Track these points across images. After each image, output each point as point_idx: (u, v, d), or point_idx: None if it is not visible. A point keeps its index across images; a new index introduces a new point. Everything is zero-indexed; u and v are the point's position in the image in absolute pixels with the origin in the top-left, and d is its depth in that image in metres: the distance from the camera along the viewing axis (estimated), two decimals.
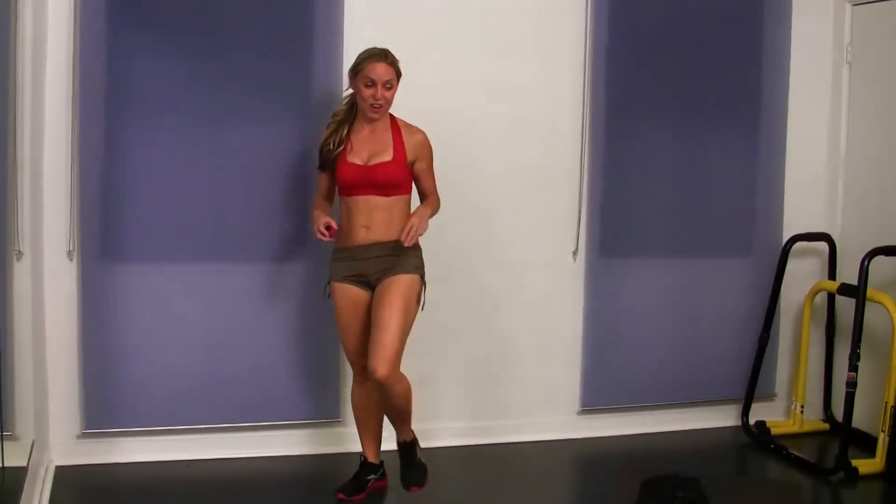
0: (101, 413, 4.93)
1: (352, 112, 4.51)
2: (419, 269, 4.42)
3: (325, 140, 4.49)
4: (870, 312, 5.21)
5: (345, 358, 5.00)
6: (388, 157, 4.39)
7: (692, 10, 5.64)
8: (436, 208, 4.55)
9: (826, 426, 5.84)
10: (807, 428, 5.81)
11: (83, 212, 4.81)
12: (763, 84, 5.82)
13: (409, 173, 4.48)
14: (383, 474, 4.71)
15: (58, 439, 4.90)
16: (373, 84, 4.35)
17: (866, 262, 5.16)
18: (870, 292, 5.18)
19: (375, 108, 4.37)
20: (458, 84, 5.27)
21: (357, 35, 5.08)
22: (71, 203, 4.80)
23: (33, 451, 4.40)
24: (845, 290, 5.43)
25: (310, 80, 5.09)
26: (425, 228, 4.39)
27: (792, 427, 5.79)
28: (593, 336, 5.60)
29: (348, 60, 5.03)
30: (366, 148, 4.42)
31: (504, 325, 5.40)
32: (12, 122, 4.08)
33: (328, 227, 4.33)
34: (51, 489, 4.57)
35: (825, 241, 5.81)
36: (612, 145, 5.55)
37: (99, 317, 4.89)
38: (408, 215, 4.40)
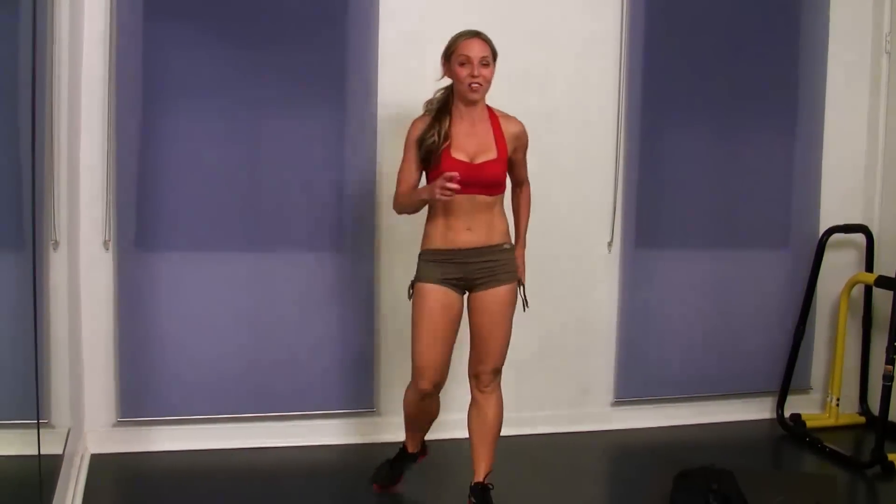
0: (136, 402, 4.96)
1: (447, 102, 4.24)
2: (517, 273, 4.31)
3: (426, 132, 4.18)
4: None
5: (382, 347, 5.02)
6: (493, 154, 4.17)
7: (729, 2, 5.61)
8: (527, 226, 4.53)
9: (862, 419, 5.81)
10: (842, 421, 5.77)
11: (119, 201, 4.84)
12: (801, 74, 5.78)
13: (508, 168, 4.28)
14: (424, 449, 4.67)
15: (93, 427, 4.94)
16: (468, 61, 4.11)
17: None
18: None
19: (474, 87, 4.12)
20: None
21: (392, 25, 5.09)
22: (107, 193, 4.83)
23: (69, 439, 4.43)
24: (883, 282, 5.38)
25: (345, 69, 5.09)
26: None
27: (827, 420, 5.75)
28: (628, 327, 5.59)
29: (383, 51, 5.06)
30: (470, 142, 4.17)
31: (539, 317, 5.37)
32: (49, 113, 4.10)
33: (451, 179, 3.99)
34: (86, 477, 4.60)
35: (863, 232, 5.77)
36: (647, 136, 5.53)
37: (134, 306, 4.92)
38: (502, 209, 4.26)
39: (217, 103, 4.93)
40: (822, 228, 5.78)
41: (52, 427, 4.23)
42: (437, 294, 4.18)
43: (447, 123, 4.18)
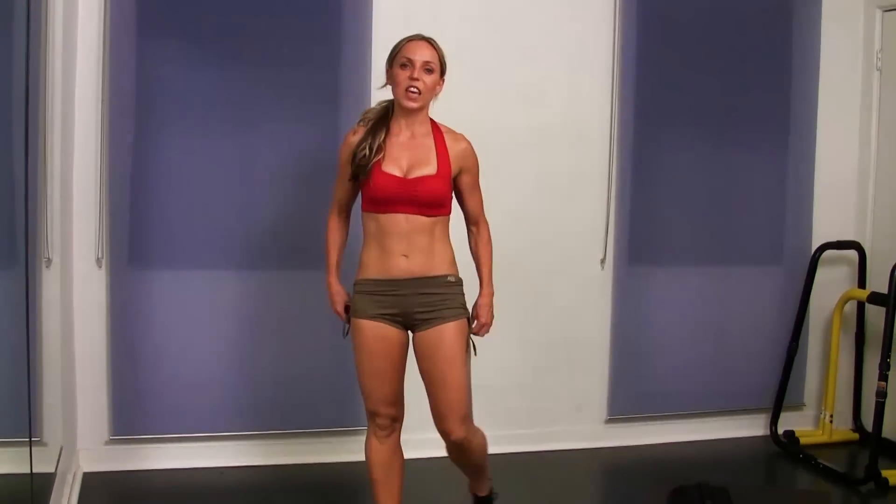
0: (128, 419, 4.95)
1: (387, 114, 3.87)
2: (466, 309, 3.85)
3: (358, 146, 3.79)
4: None
5: None
6: (431, 169, 3.76)
7: (721, 18, 5.63)
8: (491, 265, 4.02)
9: (856, 436, 5.80)
10: (836, 438, 5.76)
11: (112, 219, 4.84)
12: (793, 91, 5.79)
13: (452, 189, 3.85)
14: None
15: (86, 445, 4.92)
16: (409, 64, 3.74)
17: None
18: None
19: (412, 92, 3.73)
20: (487, 91, 5.27)
21: (385, 42, 5.06)
22: (100, 210, 4.82)
23: (61, 457, 4.41)
24: (875, 298, 5.39)
25: (337, 87, 5.10)
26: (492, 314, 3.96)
27: (821, 437, 5.75)
28: (621, 344, 5.59)
29: (376, 67, 5.05)
30: (405, 155, 3.77)
31: (531, 333, 5.39)
32: (42, 130, 4.10)
33: (346, 310, 3.91)
34: (78, 495, 4.59)
35: (855, 249, 5.78)
36: (640, 153, 5.54)
37: (127, 323, 4.91)
38: (446, 236, 3.84)
39: (210, 121, 4.93)
40: (815, 245, 5.79)
41: (45, 445, 4.22)
42: (374, 330, 3.79)
43: (382, 136, 3.80)
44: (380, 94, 5.04)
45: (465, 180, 3.90)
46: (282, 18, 5.00)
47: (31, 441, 3.79)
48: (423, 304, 3.76)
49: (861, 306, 5.79)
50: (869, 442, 5.21)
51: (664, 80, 5.57)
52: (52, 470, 4.25)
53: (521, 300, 5.33)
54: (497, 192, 5.23)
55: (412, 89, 3.74)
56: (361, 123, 3.89)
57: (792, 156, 5.82)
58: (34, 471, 3.76)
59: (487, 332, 3.93)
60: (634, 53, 5.48)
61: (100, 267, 4.86)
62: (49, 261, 4.28)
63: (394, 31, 5.07)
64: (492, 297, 3.96)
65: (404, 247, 3.75)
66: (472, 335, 3.89)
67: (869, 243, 5.83)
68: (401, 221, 3.74)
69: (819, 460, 5.37)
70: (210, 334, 5.04)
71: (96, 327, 4.88)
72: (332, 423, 5.22)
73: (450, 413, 3.77)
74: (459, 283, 3.86)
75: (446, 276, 3.81)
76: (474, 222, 4.02)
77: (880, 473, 5.00)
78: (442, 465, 4.18)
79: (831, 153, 5.87)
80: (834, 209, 5.89)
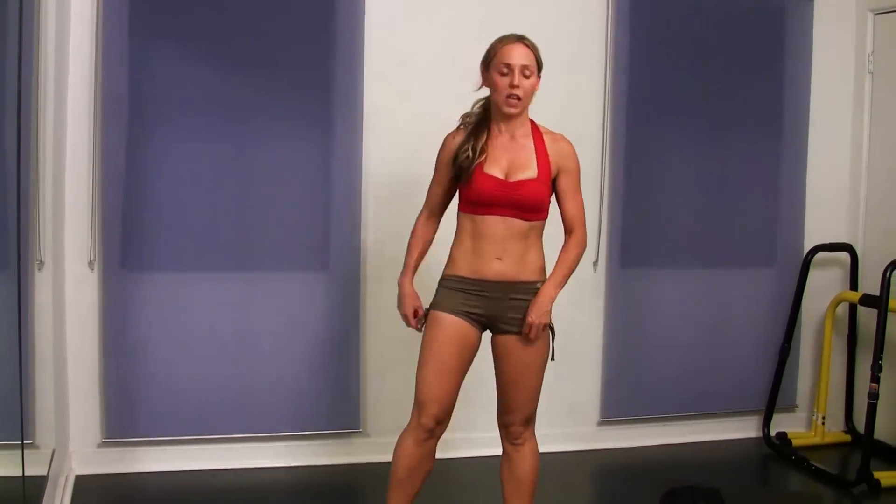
0: (121, 422, 4.94)
1: (486, 116, 3.84)
2: (551, 323, 3.84)
3: (460, 147, 3.78)
4: (892, 323, 5.20)
5: (368, 366, 5.00)
6: (532, 172, 3.73)
7: (713, 20, 5.64)
8: (570, 269, 3.88)
9: (848, 438, 5.81)
10: (828, 439, 5.78)
11: (104, 221, 4.83)
12: (785, 93, 5.81)
13: (551, 192, 3.82)
14: None
15: (78, 448, 4.91)
16: (509, 71, 3.69)
17: (888, 273, 5.14)
18: (892, 303, 5.16)
19: (513, 99, 3.71)
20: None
21: (378, 46, 5.10)
22: (92, 212, 4.82)
23: (53, 459, 4.41)
24: (867, 300, 5.40)
25: (331, 89, 5.10)
26: (549, 315, 3.80)
27: (813, 438, 5.76)
28: (613, 347, 5.59)
29: (369, 71, 5.06)
30: (505, 158, 3.75)
31: None
32: (35, 132, 4.10)
33: (415, 314, 3.82)
34: (71, 498, 4.58)
35: (847, 251, 5.79)
36: (633, 156, 5.55)
37: (120, 326, 4.90)
38: (540, 243, 3.82)
39: (203, 123, 4.93)
40: (807, 247, 5.80)
41: (37, 448, 4.22)
42: (453, 325, 3.75)
43: (484, 138, 3.78)
44: (376, 98, 5.09)
45: (563, 181, 3.84)
46: (275, 19, 4.99)
47: (23, 444, 3.79)
48: (512, 308, 3.75)
49: (853, 308, 5.80)
50: (861, 444, 5.21)
51: (657, 83, 5.57)
52: (45, 473, 4.25)
53: None
54: None
55: (513, 96, 3.72)
56: (462, 126, 3.88)
57: (784, 158, 5.83)
58: (26, 473, 3.76)
59: (534, 334, 3.74)
60: (627, 57, 5.49)
61: (92, 269, 4.86)
62: (41, 263, 4.28)
63: (387, 37, 5.11)
64: (551, 298, 3.79)
65: (499, 250, 3.73)
66: (553, 341, 3.88)
67: (861, 245, 5.84)
68: (498, 224, 3.72)
69: (811, 462, 5.38)
70: (203, 337, 5.03)
71: (88, 330, 4.87)
72: (326, 426, 5.22)
73: (517, 411, 3.85)
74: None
75: (536, 282, 3.79)
76: (570, 229, 3.89)
77: (872, 475, 5.00)
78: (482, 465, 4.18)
79: (823, 155, 5.88)
80: (826, 211, 5.91)
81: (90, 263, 4.85)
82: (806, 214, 5.88)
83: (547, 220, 3.83)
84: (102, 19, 4.72)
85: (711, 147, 5.70)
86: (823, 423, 5.77)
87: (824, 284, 5.87)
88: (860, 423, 5.43)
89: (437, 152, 3.90)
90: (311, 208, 5.13)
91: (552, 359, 3.88)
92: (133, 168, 4.85)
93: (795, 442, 5.69)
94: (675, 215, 5.68)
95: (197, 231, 4.98)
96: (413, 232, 3.97)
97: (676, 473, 4.95)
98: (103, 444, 4.94)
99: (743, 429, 5.88)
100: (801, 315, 5.80)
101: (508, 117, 3.77)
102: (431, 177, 3.94)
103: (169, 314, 4.98)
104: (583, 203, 3.90)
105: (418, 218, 3.98)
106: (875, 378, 5.07)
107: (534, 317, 3.73)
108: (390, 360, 5.14)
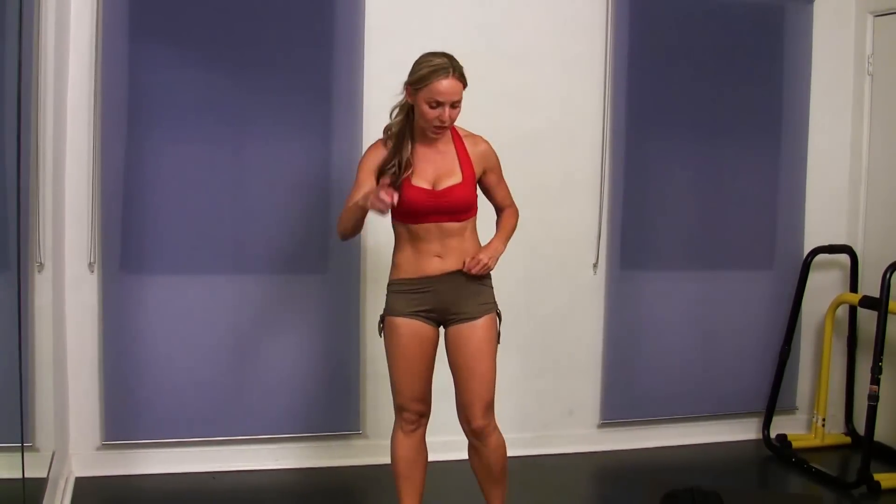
0: (121, 424, 4.94)
1: (408, 124, 3.91)
2: (496, 304, 3.99)
3: (387, 163, 3.85)
4: (892, 325, 5.19)
5: (368, 369, 5.01)
6: (457, 178, 3.87)
7: (713, 22, 5.63)
8: (512, 229, 4.09)
9: (848, 440, 5.81)
10: (828, 441, 5.77)
11: (104, 224, 4.83)
12: (784, 95, 5.80)
13: (476, 191, 3.98)
14: None
15: (78, 450, 4.91)
16: (439, 105, 3.76)
17: (888, 275, 5.13)
18: (892, 305, 5.15)
19: (439, 129, 3.82)
20: (479, 96, 5.26)
21: (378, 48, 5.10)
22: (92, 215, 4.82)
23: (53, 462, 4.41)
24: (867, 302, 5.40)
25: (330, 92, 5.10)
26: (496, 262, 3.96)
27: (813, 440, 5.76)
28: (613, 349, 5.59)
29: (369, 73, 5.06)
30: (430, 167, 3.87)
31: (524, 338, 5.38)
32: (34, 134, 4.10)
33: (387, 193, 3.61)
34: (71, 501, 4.59)
35: (847, 253, 5.79)
36: (632, 157, 5.54)
37: (119, 328, 4.90)
38: (475, 234, 3.98)
39: (203, 126, 4.93)
40: (807, 249, 5.80)
41: (37, 450, 4.22)
42: (408, 327, 3.89)
43: (408, 150, 3.86)
44: (375, 100, 5.09)
45: (490, 178, 4.04)
46: (274, 23, 5.00)
47: (23, 446, 3.79)
48: (458, 298, 3.91)
49: (853, 310, 5.80)
50: (861, 445, 5.20)
51: (656, 85, 5.57)
52: (45, 475, 4.25)
53: (514, 305, 5.33)
54: None
55: (440, 127, 3.83)
56: (385, 139, 3.95)
57: (784, 160, 5.83)
58: (26, 476, 3.76)
59: (479, 269, 3.87)
60: (626, 59, 5.48)
61: (92, 272, 4.86)
62: (41, 266, 4.28)
63: (386, 38, 5.10)
64: (499, 249, 3.98)
65: (438, 248, 3.89)
66: (500, 325, 4.01)
67: (861, 247, 5.84)
68: (433, 229, 3.87)
69: (811, 464, 5.37)
70: (202, 339, 5.03)
71: (88, 332, 4.87)
72: (326, 428, 5.22)
73: (476, 401, 3.91)
74: (489, 277, 3.99)
75: None
76: (503, 209, 4.13)
77: (872, 477, 5.00)
78: (461, 468, 4.19)
79: (823, 157, 5.88)
80: (826, 213, 5.90)
81: (90, 266, 4.85)
82: (806, 216, 5.87)
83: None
84: (102, 22, 4.72)
85: (711, 149, 5.70)
86: (823, 425, 5.77)
87: (824, 286, 5.87)
88: (860, 425, 5.42)
89: (359, 165, 3.95)
90: (310, 211, 5.13)
91: (499, 342, 4.01)
92: (133, 170, 4.86)
93: (795, 444, 5.68)
94: (675, 217, 5.68)
95: (197, 233, 4.98)
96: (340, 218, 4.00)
97: (676, 475, 4.95)
98: (103, 447, 4.94)
99: (743, 431, 5.87)
100: (800, 317, 5.80)
101: (433, 139, 3.89)
102: (355, 184, 3.91)
103: (168, 316, 4.98)
104: (508, 187, 4.13)
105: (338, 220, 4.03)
106: (875, 380, 5.06)
107: (483, 256, 3.89)
108: None
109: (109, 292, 4.88)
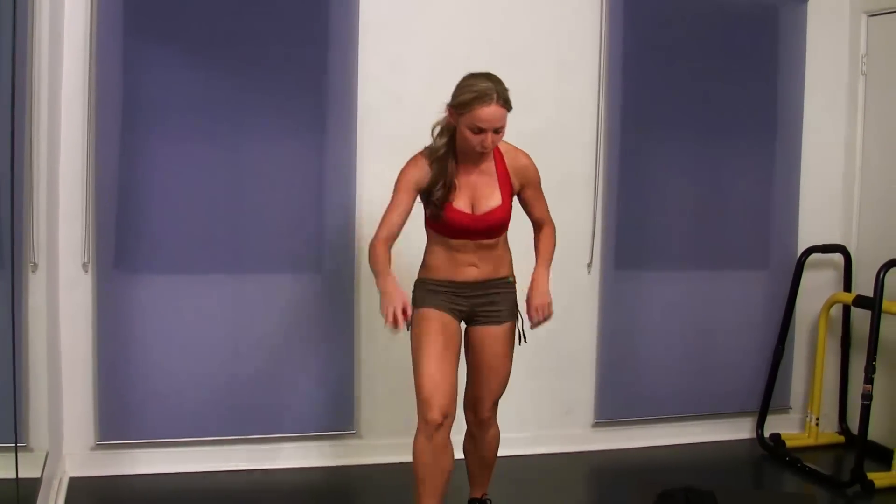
0: (115, 424, 4.93)
1: (451, 146, 3.90)
2: (518, 308, 4.11)
3: (433, 184, 3.85)
4: (886, 324, 5.19)
5: (362, 368, 5.00)
6: (496, 200, 3.91)
7: (708, 23, 5.64)
8: (552, 254, 4.15)
9: (842, 439, 5.82)
10: (822, 441, 5.78)
11: (98, 223, 4.82)
12: (779, 95, 5.81)
13: (512, 207, 4.00)
14: None
15: (72, 450, 4.90)
16: (481, 131, 3.74)
17: (882, 274, 5.14)
18: (886, 304, 5.15)
19: (482, 152, 3.83)
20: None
21: (372, 48, 5.09)
22: (86, 215, 4.81)
23: (47, 462, 4.40)
24: (861, 302, 5.41)
25: (325, 92, 5.09)
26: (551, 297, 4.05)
27: (807, 440, 5.76)
28: (608, 348, 5.59)
29: (364, 73, 5.06)
30: (470, 189, 3.90)
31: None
32: (29, 133, 4.09)
33: (404, 312, 3.65)
34: (64, 501, 4.58)
35: (841, 252, 5.80)
36: (627, 157, 5.54)
37: (113, 328, 4.89)
38: (507, 241, 4.07)
39: (197, 125, 4.92)
40: (801, 249, 5.80)
41: (31, 450, 4.21)
42: (440, 318, 3.93)
43: (453, 173, 3.88)
44: (369, 99, 5.09)
45: (527, 193, 4.06)
46: (269, 22, 4.99)
47: (16, 446, 3.78)
48: (488, 301, 4.01)
49: (847, 310, 5.81)
50: (855, 445, 5.21)
51: (651, 85, 5.57)
52: (38, 475, 4.24)
53: None
54: None
55: (483, 151, 3.83)
56: (424, 154, 3.93)
57: (778, 160, 5.83)
58: (20, 476, 3.76)
59: (542, 314, 4.04)
60: (621, 59, 5.48)
61: (86, 271, 4.85)
62: (35, 265, 4.27)
63: (381, 38, 5.10)
64: (547, 280, 4.09)
65: (473, 259, 3.97)
66: (522, 328, 4.15)
67: (854, 247, 5.85)
68: (469, 243, 3.95)
69: (805, 463, 5.38)
70: (197, 339, 5.02)
71: (82, 332, 4.86)
72: (319, 428, 5.22)
73: (489, 397, 4.10)
74: (514, 283, 4.11)
75: (507, 277, 4.08)
76: (540, 226, 4.18)
77: (866, 476, 5.01)
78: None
79: (817, 157, 5.88)
80: (820, 213, 5.91)
81: (84, 265, 4.84)
82: (800, 216, 5.88)
83: None
84: (96, 19, 4.71)
85: (705, 148, 5.70)
86: (817, 425, 5.77)
87: (818, 286, 5.87)
88: (854, 425, 5.44)
89: (398, 179, 3.91)
90: (304, 210, 5.12)
91: (524, 341, 4.18)
92: (127, 169, 4.85)
93: (789, 443, 5.69)
94: (670, 217, 5.68)
95: (191, 233, 4.98)
96: (375, 256, 3.82)
97: (671, 475, 4.95)
98: (97, 447, 4.93)
99: (737, 430, 5.88)
100: (794, 316, 5.81)
101: (476, 160, 3.91)
102: (391, 199, 3.91)
103: (163, 316, 4.98)
104: (546, 204, 4.17)
105: (375, 243, 3.85)
106: (869, 379, 5.07)
107: (538, 300, 4.02)
108: (384, 362, 5.14)
109: (103, 292, 4.87)
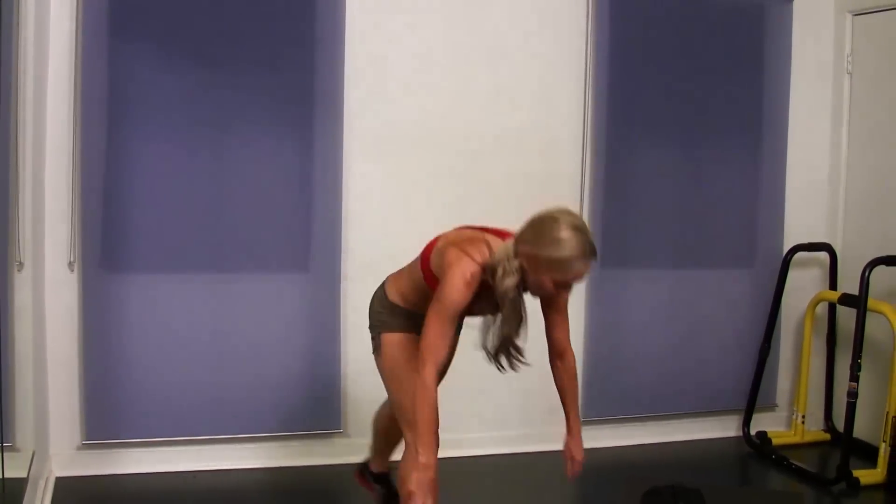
0: (101, 424, 4.92)
1: (520, 287, 3.48)
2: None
3: (480, 306, 3.52)
4: (871, 322, 5.21)
5: (349, 367, 5.02)
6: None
7: (693, 21, 5.65)
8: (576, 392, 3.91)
9: (827, 436, 5.84)
10: (808, 438, 5.80)
11: (84, 222, 4.81)
12: (764, 94, 5.82)
13: None
14: None
15: (58, 450, 4.89)
16: (568, 287, 3.44)
17: (867, 273, 5.16)
18: (871, 302, 5.17)
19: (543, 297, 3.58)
20: (459, 93, 5.28)
21: (359, 46, 5.09)
22: (72, 213, 4.80)
23: (33, 462, 4.39)
24: (846, 300, 5.43)
25: (311, 90, 5.09)
26: None
27: (793, 437, 5.78)
28: (594, 347, 5.59)
29: (349, 70, 5.05)
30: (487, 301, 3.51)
31: None
32: (14, 132, 4.08)
33: None
34: (51, 501, 4.57)
35: (826, 251, 5.81)
36: (612, 155, 5.55)
37: (100, 327, 4.88)
38: None
39: (183, 124, 4.92)
40: (787, 247, 5.82)
41: (17, 450, 4.20)
42: (414, 339, 3.61)
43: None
44: (356, 98, 5.08)
45: (555, 306, 3.74)
46: (255, 22, 4.98)
47: (2, 446, 3.77)
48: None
49: (832, 308, 5.83)
50: (840, 442, 5.23)
51: (636, 83, 5.58)
52: (25, 475, 4.23)
53: None
54: (468, 194, 5.27)
55: (559, 298, 3.60)
56: (476, 276, 3.42)
57: (763, 158, 5.85)
58: (6, 476, 3.75)
59: (580, 468, 3.88)
60: (607, 57, 5.49)
61: (72, 271, 4.84)
62: (21, 264, 4.26)
63: (367, 36, 5.10)
64: (580, 428, 3.90)
65: None
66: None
67: (840, 245, 5.87)
68: None
69: (791, 461, 5.40)
70: (183, 338, 5.02)
71: (68, 331, 4.86)
72: (307, 427, 5.22)
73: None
74: None
75: None
76: (561, 352, 3.90)
77: (851, 473, 5.03)
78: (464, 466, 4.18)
79: (802, 155, 5.90)
80: (805, 211, 5.93)
81: (70, 265, 4.83)
82: (785, 214, 5.90)
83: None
84: (82, 18, 4.70)
85: (691, 147, 5.72)
86: (803, 422, 5.79)
87: (803, 284, 5.89)
88: (839, 422, 5.46)
89: (448, 296, 3.40)
90: (291, 209, 5.12)
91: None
92: (113, 169, 4.84)
93: (775, 441, 5.71)
94: (655, 216, 5.69)
95: (177, 232, 4.97)
96: (426, 399, 3.41)
97: (657, 473, 4.96)
98: (83, 447, 4.92)
99: (723, 428, 5.90)
100: (780, 315, 5.82)
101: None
102: (439, 322, 3.42)
103: (149, 315, 4.97)
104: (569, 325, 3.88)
105: (426, 378, 3.40)
106: (854, 377, 5.09)
107: (581, 454, 3.91)
108: (371, 360, 5.12)
109: (90, 291, 4.86)
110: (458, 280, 3.37)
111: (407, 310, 3.74)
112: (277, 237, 5.11)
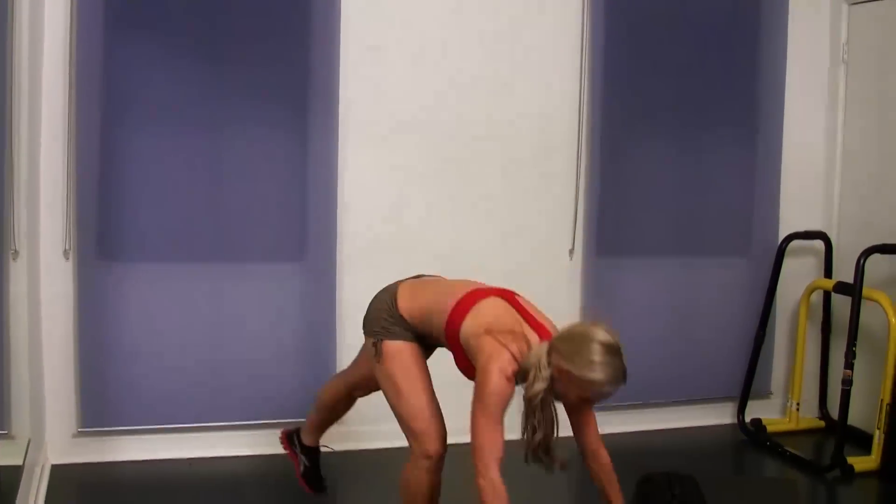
0: (97, 411, 4.92)
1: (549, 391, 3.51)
2: None
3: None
4: (865, 310, 5.22)
5: (344, 355, 5.01)
6: None
7: (688, 11, 5.65)
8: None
9: (822, 424, 5.85)
10: (803, 426, 5.81)
11: (79, 211, 4.81)
12: (760, 82, 5.83)
13: None
14: None
15: (54, 438, 4.89)
16: (591, 403, 3.61)
17: (862, 261, 5.17)
18: (866, 290, 5.18)
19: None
20: (455, 84, 5.28)
21: (354, 40, 5.09)
22: (67, 202, 4.79)
23: (29, 449, 4.39)
24: (841, 288, 5.43)
25: (307, 82, 5.08)
26: None
27: (788, 425, 5.80)
28: None
29: (345, 64, 5.04)
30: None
31: None
32: (9, 122, 4.08)
33: None
34: (47, 488, 4.57)
35: (821, 239, 5.82)
36: (608, 144, 5.55)
37: (95, 316, 4.88)
38: None
39: (179, 113, 4.91)
40: (782, 235, 5.83)
41: (12, 438, 4.21)
42: (416, 350, 3.73)
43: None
44: (351, 91, 5.08)
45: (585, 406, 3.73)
46: (250, 17, 4.98)
47: None
48: None
49: (827, 296, 5.83)
50: (835, 430, 5.25)
51: (632, 73, 5.58)
52: (20, 463, 4.24)
53: None
54: (465, 184, 5.27)
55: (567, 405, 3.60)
56: (513, 378, 3.48)
57: (759, 147, 5.85)
58: (1, 464, 3.76)
59: None
60: (603, 46, 5.49)
61: (67, 259, 4.83)
62: (16, 253, 4.26)
63: (362, 30, 5.09)
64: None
65: None
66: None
67: (835, 234, 5.88)
68: None
69: (786, 448, 5.41)
70: (178, 326, 5.02)
71: (64, 320, 4.85)
72: (302, 415, 5.20)
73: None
74: None
75: None
76: (595, 450, 3.96)
77: (846, 460, 5.04)
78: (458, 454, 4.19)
79: (798, 145, 5.91)
80: (800, 200, 5.94)
81: (65, 253, 4.83)
82: (780, 203, 5.91)
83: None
84: (77, 10, 4.69)
85: (687, 136, 5.72)
86: (798, 410, 5.81)
87: (799, 272, 5.90)
88: (834, 410, 5.47)
89: (493, 395, 3.47)
90: (287, 198, 5.12)
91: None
92: (108, 158, 4.83)
93: (770, 428, 5.72)
94: (651, 204, 5.69)
95: (173, 221, 4.97)
96: (500, 501, 3.60)
97: (652, 460, 4.97)
98: (79, 434, 4.92)
99: (718, 415, 5.91)
100: (775, 303, 5.83)
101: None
102: (486, 420, 3.53)
103: (144, 304, 4.97)
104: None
105: (494, 480, 3.60)
106: (849, 365, 5.10)
107: None
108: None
109: (85, 280, 4.85)
110: (498, 378, 3.43)
111: (414, 326, 3.74)
112: (272, 226, 5.11)
